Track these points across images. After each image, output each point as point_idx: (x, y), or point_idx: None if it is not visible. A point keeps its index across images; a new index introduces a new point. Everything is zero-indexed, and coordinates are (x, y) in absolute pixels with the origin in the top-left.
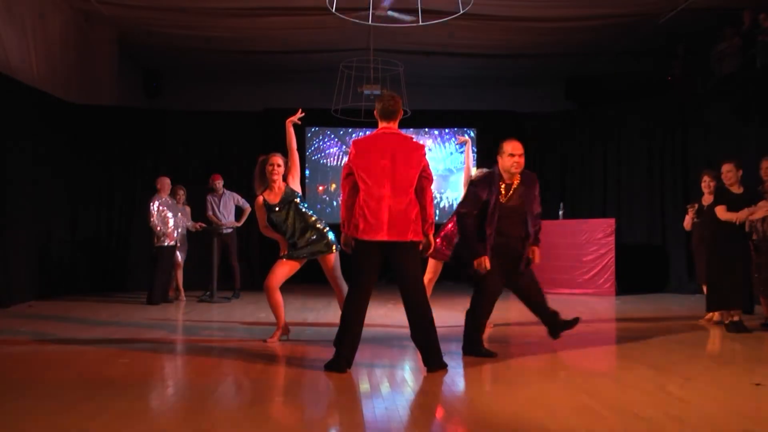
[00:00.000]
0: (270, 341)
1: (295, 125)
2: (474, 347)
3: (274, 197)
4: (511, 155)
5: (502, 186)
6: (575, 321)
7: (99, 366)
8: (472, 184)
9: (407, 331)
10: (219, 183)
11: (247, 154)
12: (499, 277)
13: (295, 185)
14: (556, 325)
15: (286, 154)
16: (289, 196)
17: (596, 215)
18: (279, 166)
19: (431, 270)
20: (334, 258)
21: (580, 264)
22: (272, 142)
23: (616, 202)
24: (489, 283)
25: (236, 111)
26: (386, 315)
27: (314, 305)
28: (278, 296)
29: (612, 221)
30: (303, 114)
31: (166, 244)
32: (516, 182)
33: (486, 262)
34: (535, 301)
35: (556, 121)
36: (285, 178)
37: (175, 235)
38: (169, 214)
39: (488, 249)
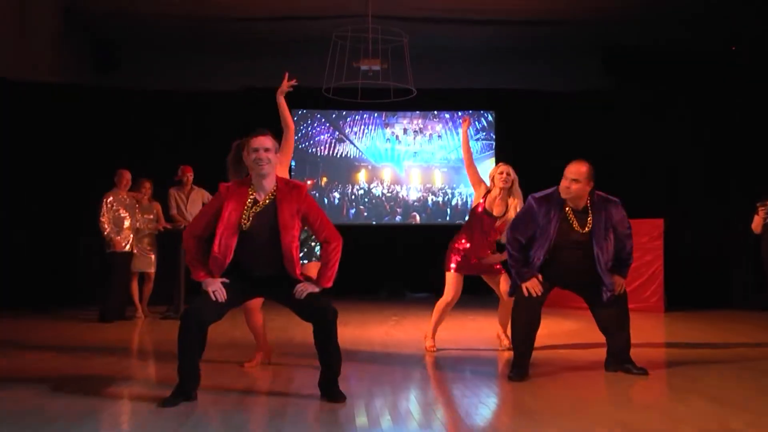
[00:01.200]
0: (249, 366)
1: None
2: (518, 370)
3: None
4: (565, 178)
5: (568, 211)
6: (642, 372)
7: (36, 400)
8: (533, 200)
9: (412, 352)
10: (190, 176)
11: (224, 142)
12: (536, 298)
13: (284, 173)
14: (621, 359)
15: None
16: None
17: (640, 214)
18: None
19: (453, 287)
20: None
21: None
22: (253, 127)
23: (664, 198)
24: (522, 303)
25: (209, 91)
26: (387, 334)
27: (302, 321)
28: (258, 317)
29: (660, 222)
30: (296, 83)
31: (120, 248)
32: (586, 208)
33: (536, 286)
34: (611, 337)
35: (592, 102)
36: None
37: (130, 238)
38: (125, 214)
39: (537, 269)
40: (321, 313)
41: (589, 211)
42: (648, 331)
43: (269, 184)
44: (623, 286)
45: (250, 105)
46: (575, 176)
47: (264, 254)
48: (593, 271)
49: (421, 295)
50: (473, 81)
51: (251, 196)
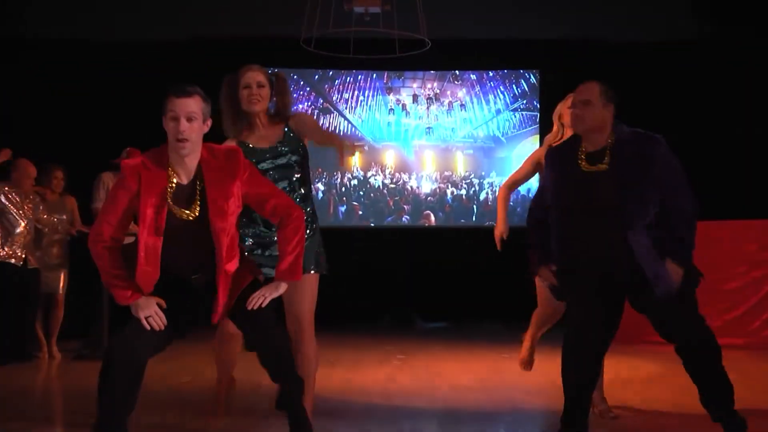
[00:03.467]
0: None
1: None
2: (570, 426)
3: (260, 139)
4: (573, 105)
5: (581, 153)
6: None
7: None
8: (546, 152)
9: (425, 403)
10: None
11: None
12: (587, 306)
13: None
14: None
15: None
16: (293, 139)
17: (741, 213)
18: (262, 86)
19: (543, 299)
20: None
21: (716, 295)
22: (202, 85)
23: None
24: (571, 315)
25: (145, 41)
26: (389, 378)
27: None
28: (235, 346)
29: None
30: (363, 146)
31: (12, 261)
32: (605, 149)
33: (548, 277)
34: (678, 334)
35: (674, 56)
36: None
37: (29, 248)
38: (18, 213)
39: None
40: (286, 374)
41: (613, 152)
42: (759, 377)
43: (192, 158)
44: (675, 276)
45: (198, 58)
46: (586, 96)
47: (196, 252)
48: (629, 249)
49: (435, 325)
50: (509, 29)
51: (171, 179)
